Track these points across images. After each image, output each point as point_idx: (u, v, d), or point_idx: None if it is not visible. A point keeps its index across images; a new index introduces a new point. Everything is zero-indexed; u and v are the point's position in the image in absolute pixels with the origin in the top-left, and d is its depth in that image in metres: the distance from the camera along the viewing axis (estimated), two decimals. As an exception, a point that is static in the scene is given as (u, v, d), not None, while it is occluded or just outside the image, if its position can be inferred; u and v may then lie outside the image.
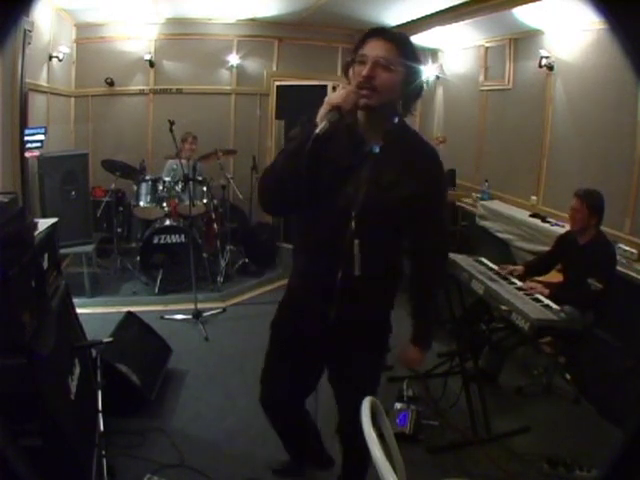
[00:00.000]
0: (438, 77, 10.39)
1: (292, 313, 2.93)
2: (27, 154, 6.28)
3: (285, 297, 3.00)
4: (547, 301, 4.11)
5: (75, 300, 4.18)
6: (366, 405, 2.18)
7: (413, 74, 2.51)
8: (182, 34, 9.79)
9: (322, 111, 2.36)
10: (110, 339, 4.17)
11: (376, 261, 2.62)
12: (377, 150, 2.56)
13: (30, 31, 6.00)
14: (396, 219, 2.63)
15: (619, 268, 5.14)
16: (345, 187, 2.53)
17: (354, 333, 2.78)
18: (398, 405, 4.47)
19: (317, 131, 2.28)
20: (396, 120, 2.62)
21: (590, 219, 4.86)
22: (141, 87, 9.82)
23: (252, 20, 9.54)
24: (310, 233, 2.70)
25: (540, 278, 5.24)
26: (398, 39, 2.46)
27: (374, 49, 2.41)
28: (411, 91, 2.54)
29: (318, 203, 2.53)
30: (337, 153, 2.51)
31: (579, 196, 4.92)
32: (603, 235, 4.98)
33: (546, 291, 4.58)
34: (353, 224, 2.53)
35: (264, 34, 9.77)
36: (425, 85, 2.67)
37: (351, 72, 2.51)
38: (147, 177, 7.79)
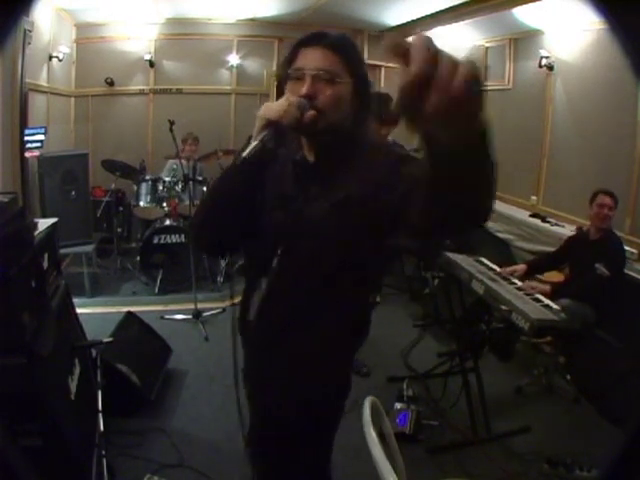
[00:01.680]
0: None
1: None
2: (27, 154, 6.28)
3: None
4: (547, 301, 4.11)
5: (75, 300, 4.18)
6: (367, 405, 2.18)
7: (363, 79, 2.03)
8: (182, 34, 9.80)
9: (255, 127, 1.87)
10: (110, 339, 4.18)
11: (293, 314, 2.11)
12: (322, 181, 2.04)
13: (30, 31, 6.00)
14: (358, 250, 2.00)
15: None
16: (277, 219, 2.06)
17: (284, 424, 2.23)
18: (398, 405, 4.46)
19: (244, 154, 1.80)
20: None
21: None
22: (141, 87, 9.82)
23: (252, 20, 9.53)
24: (246, 262, 2.31)
25: (540, 277, 5.26)
26: (338, 44, 1.98)
27: (312, 60, 1.94)
28: (363, 103, 2.04)
29: (255, 241, 2.13)
30: (278, 179, 2.10)
31: (610, 194, 5.01)
32: (613, 231, 5.05)
33: (547, 287, 4.59)
34: (275, 261, 2.07)
35: (264, 34, 9.76)
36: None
37: (286, 89, 2.01)
38: (147, 177, 7.79)
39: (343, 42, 2.01)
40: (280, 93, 2.03)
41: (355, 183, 1.94)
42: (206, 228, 2.16)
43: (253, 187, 2.03)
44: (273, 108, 1.87)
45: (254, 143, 1.80)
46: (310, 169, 2.08)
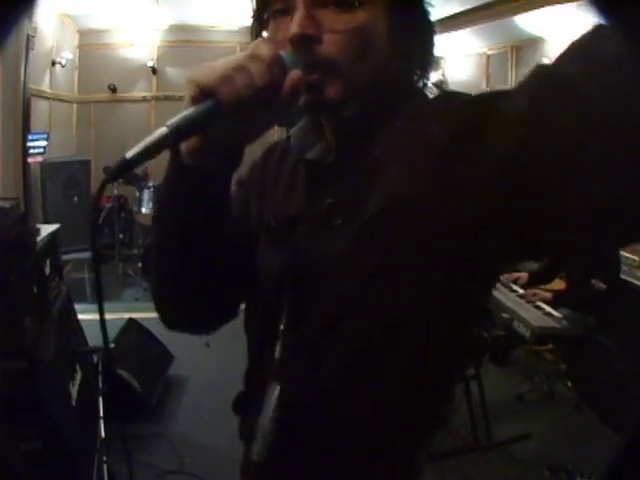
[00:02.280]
0: (442, 82, 10.42)
1: None
2: (29, 159, 6.30)
3: None
4: (548, 309, 4.12)
5: (76, 306, 4.19)
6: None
7: (407, 6, 1.05)
8: (185, 41, 9.84)
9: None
10: (112, 345, 4.18)
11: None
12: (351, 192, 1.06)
13: (33, 36, 6.03)
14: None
15: (621, 275, 5.14)
16: (276, 261, 1.12)
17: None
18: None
19: (127, 155, 0.84)
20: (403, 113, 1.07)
21: None
22: (144, 94, 9.86)
23: (255, 27, 9.57)
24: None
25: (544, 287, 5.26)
26: None
27: None
28: (414, 33, 1.08)
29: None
30: (281, 192, 1.22)
31: None
32: None
33: (548, 295, 4.59)
34: (278, 350, 1.11)
35: None
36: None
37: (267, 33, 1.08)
38: (150, 184, 7.80)
39: None
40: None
41: (404, 181, 0.99)
42: (173, 289, 1.21)
43: (216, 211, 1.07)
44: (217, 66, 0.89)
45: (148, 139, 0.86)
46: (328, 173, 1.11)
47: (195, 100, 0.89)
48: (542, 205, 0.84)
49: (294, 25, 0.94)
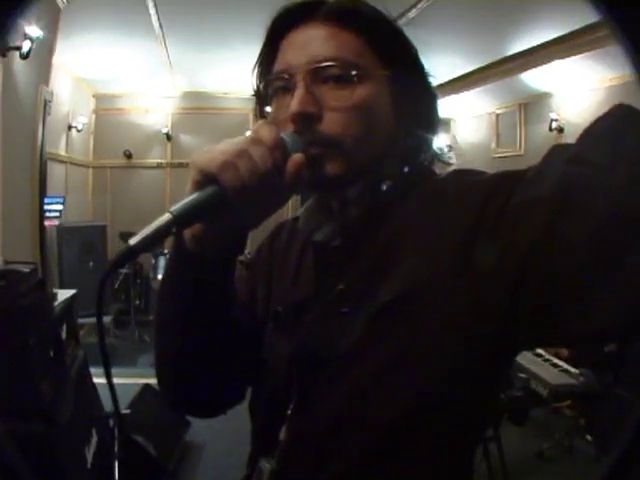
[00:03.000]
0: (451, 147, 10.51)
1: None
2: (46, 223, 6.35)
3: None
4: (565, 365, 4.08)
5: (92, 370, 4.18)
6: None
7: (409, 66, 1.09)
8: (198, 107, 10.00)
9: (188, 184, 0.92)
10: (127, 411, 4.16)
11: None
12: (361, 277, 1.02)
13: (50, 101, 6.12)
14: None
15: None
16: (283, 349, 1.08)
17: None
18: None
19: (131, 241, 0.91)
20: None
21: None
22: (158, 160, 9.98)
23: (268, 94, 9.71)
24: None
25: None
26: (349, 10, 1.02)
27: (302, 47, 1.01)
28: (420, 112, 1.09)
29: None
30: (288, 275, 1.18)
31: None
32: None
33: (564, 352, 4.58)
34: (283, 434, 1.05)
35: None
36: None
37: (270, 114, 1.09)
38: (165, 250, 7.84)
39: (358, 7, 1.03)
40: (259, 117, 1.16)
41: (418, 267, 0.96)
42: (175, 373, 1.22)
43: (218, 296, 1.03)
44: (219, 149, 0.87)
45: (152, 226, 0.91)
46: (337, 257, 1.07)
47: (198, 185, 0.88)
48: (562, 298, 0.81)
49: (294, 103, 0.95)
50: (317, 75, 0.97)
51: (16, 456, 0.65)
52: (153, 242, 0.88)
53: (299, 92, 0.96)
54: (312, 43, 0.99)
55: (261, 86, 1.11)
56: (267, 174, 0.85)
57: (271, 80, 1.05)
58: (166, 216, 0.88)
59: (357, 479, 0.97)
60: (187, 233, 0.93)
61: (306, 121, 0.95)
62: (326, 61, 0.96)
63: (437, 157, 1.14)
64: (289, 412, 1.03)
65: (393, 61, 1.02)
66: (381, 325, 0.95)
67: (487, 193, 0.92)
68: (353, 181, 1.01)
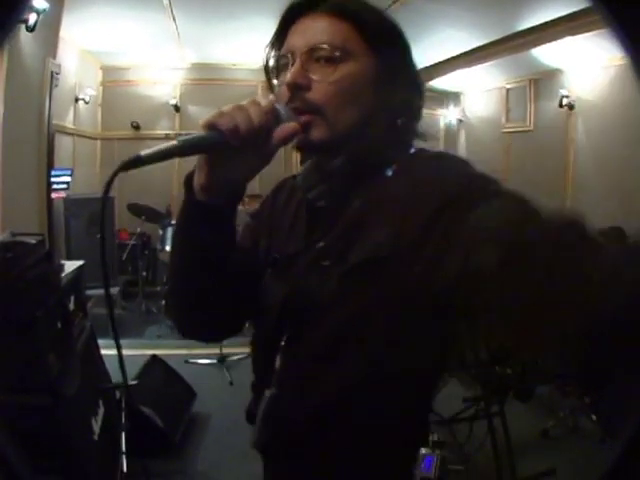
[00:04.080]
0: (461, 120, 10.47)
1: None
2: (53, 195, 6.36)
3: None
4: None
5: (100, 341, 4.20)
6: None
7: (397, 55, 1.29)
8: (207, 79, 9.95)
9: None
10: (134, 382, 4.19)
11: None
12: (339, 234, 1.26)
13: (57, 73, 6.11)
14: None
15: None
16: (277, 292, 1.31)
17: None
18: (423, 450, 4.40)
19: (142, 153, 1.10)
20: (390, 166, 1.27)
21: None
22: (167, 131, 9.94)
23: (276, 66, 9.66)
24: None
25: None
26: (346, 3, 1.25)
27: (303, 35, 1.24)
28: (401, 95, 1.27)
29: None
30: (286, 228, 1.40)
31: (604, 234, 4.89)
32: None
33: None
34: (278, 362, 1.29)
35: None
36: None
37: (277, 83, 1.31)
38: (173, 221, 7.86)
39: (353, 2, 1.27)
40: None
41: (386, 235, 1.17)
42: (182, 302, 1.41)
43: (221, 239, 1.24)
44: (226, 112, 1.09)
45: (162, 146, 1.10)
46: (323, 216, 1.30)
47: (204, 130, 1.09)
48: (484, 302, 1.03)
49: (289, 76, 1.20)
50: (311, 55, 1.21)
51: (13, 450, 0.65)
52: (160, 157, 1.09)
53: (295, 67, 1.20)
54: (310, 30, 1.23)
55: (270, 63, 1.34)
56: (258, 129, 1.09)
57: (278, 58, 1.29)
58: (173, 142, 1.08)
59: (338, 401, 1.23)
60: (196, 186, 1.17)
61: (297, 90, 1.20)
62: (318, 44, 1.20)
63: (418, 135, 1.34)
64: (282, 343, 1.28)
65: (379, 48, 1.25)
66: (351, 281, 1.19)
67: (451, 198, 1.14)
68: (336, 148, 1.24)
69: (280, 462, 1.40)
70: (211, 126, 1.08)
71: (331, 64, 1.20)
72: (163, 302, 1.50)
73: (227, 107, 1.09)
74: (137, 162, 1.11)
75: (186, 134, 1.09)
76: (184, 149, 1.09)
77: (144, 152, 1.10)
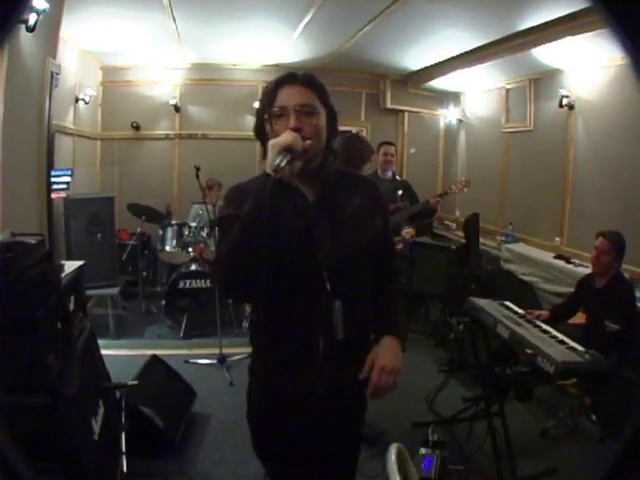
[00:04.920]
0: (461, 120, 10.46)
1: (271, 401, 2.37)
2: (53, 195, 6.35)
3: (255, 385, 2.44)
4: (572, 343, 4.07)
5: (99, 341, 4.21)
6: (392, 451, 2.17)
7: (332, 109, 2.30)
8: (207, 79, 9.96)
9: (271, 155, 1.99)
10: (135, 382, 4.19)
11: (362, 319, 2.33)
12: (322, 200, 2.27)
13: (57, 74, 6.11)
14: (369, 260, 2.35)
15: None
16: (306, 247, 2.19)
17: (339, 410, 2.33)
18: (423, 450, 4.40)
19: (275, 175, 1.95)
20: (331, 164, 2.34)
21: (614, 261, 4.84)
22: (167, 132, 9.96)
23: (276, 66, 9.65)
24: (278, 307, 2.22)
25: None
26: (310, 80, 2.22)
27: (292, 97, 2.15)
28: (334, 129, 2.32)
29: (280, 276, 2.12)
30: (284, 216, 2.16)
31: (606, 235, 4.89)
32: (621, 276, 4.95)
33: (547, 313, 4.61)
34: (328, 285, 2.19)
35: None
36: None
37: (269, 128, 2.20)
38: (173, 222, 7.88)
39: (313, 78, 2.24)
40: (258, 130, 2.29)
41: (354, 208, 2.30)
42: (240, 278, 2.10)
43: (272, 218, 2.01)
44: (283, 138, 2.02)
45: (277, 161, 1.95)
46: (315, 206, 2.26)
47: (280, 152, 1.98)
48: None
49: (291, 123, 2.10)
50: (299, 110, 2.13)
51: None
52: (286, 176, 2.00)
53: (292, 118, 2.11)
54: (296, 94, 2.16)
55: (263, 111, 2.23)
56: (302, 146, 2.04)
57: (274, 111, 2.16)
58: (281, 161, 1.96)
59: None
60: (286, 171, 2.00)
61: (296, 131, 2.07)
62: (303, 104, 2.14)
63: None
64: (327, 285, 2.19)
65: (327, 105, 2.25)
66: (344, 239, 2.24)
67: (375, 197, 2.47)
68: (314, 159, 2.19)
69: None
70: (286, 147, 1.98)
71: (311, 116, 2.15)
72: (219, 270, 1.67)
73: (286, 139, 2.01)
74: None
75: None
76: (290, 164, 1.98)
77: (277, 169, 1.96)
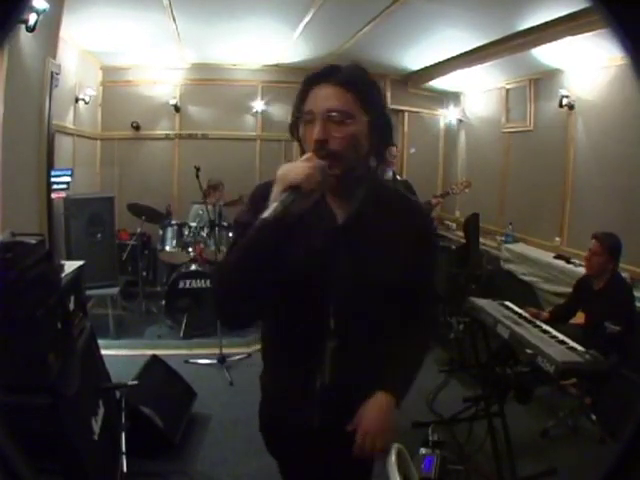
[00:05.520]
0: (461, 120, 10.46)
1: (273, 426, 2.25)
2: (53, 195, 6.35)
3: (262, 402, 2.28)
4: (572, 343, 4.07)
5: (100, 341, 4.21)
6: (392, 452, 2.16)
7: (379, 115, 1.91)
8: (207, 79, 9.96)
9: (275, 190, 1.70)
10: (135, 382, 4.19)
11: (366, 365, 2.02)
12: (351, 224, 1.96)
13: (57, 74, 6.11)
14: (391, 301, 2.00)
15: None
16: (318, 276, 1.93)
17: (340, 443, 2.01)
18: (423, 450, 4.39)
19: (265, 215, 1.63)
20: (368, 179, 2.02)
21: (608, 263, 4.84)
22: (167, 132, 9.95)
23: (277, 66, 9.66)
24: (281, 334, 2.10)
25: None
26: (350, 79, 1.86)
27: (321, 101, 1.82)
28: (382, 137, 1.94)
29: (288, 300, 1.94)
30: (304, 235, 1.87)
31: (598, 238, 4.90)
32: (619, 277, 4.96)
33: (545, 314, 4.62)
34: (332, 322, 1.95)
35: (289, 80, 9.62)
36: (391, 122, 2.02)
37: (301, 132, 1.91)
38: (173, 222, 7.88)
39: (355, 77, 1.89)
40: (292, 134, 1.98)
41: (386, 238, 1.94)
42: (232, 298, 1.89)
43: (278, 246, 1.77)
44: (296, 172, 1.69)
45: (275, 204, 1.63)
46: (340, 230, 1.95)
47: (284, 191, 1.66)
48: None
49: (315, 133, 1.79)
50: (328, 117, 1.80)
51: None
52: (277, 216, 1.64)
53: (318, 127, 1.80)
54: (325, 98, 1.82)
55: (295, 117, 1.93)
56: (318, 183, 1.71)
57: (301, 115, 1.89)
58: (278, 204, 1.65)
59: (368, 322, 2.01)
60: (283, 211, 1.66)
61: (321, 142, 1.79)
62: (332, 111, 1.80)
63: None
64: (331, 321, 1.97)
65: (371, 111, 1.87)
66: (361, 271, 1.93)
67: (426, 227, 2.23)
68: (344, 177, 1.86)
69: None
70: (293, 186, 1.66)
71: (342, 124, 1.80)
72: (215, 297, 1.58)
73: (295, 172, 1.69)
74: (283, 212, 1.67)
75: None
76: (287, 208, 1.65)
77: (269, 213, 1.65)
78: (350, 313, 1.95)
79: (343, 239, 1.93)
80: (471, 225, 8.12)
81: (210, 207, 7.26)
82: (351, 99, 1.82)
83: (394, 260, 1.94)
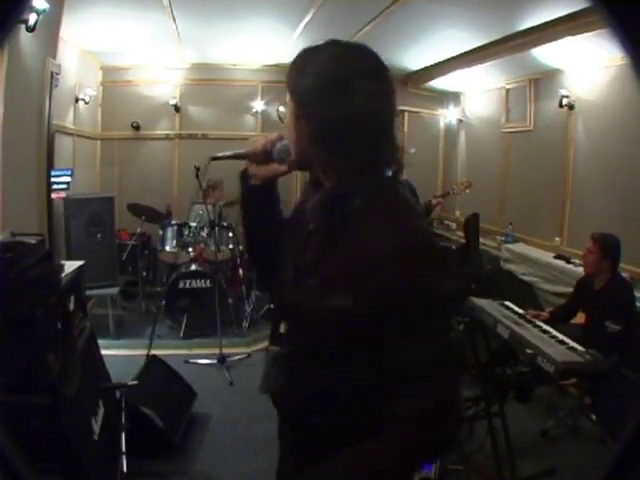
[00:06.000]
0: (461, 120, 10.46)
1: None
2: (53, 195, 6.34)
3: None
4: (572, 343, 4.06)
5: (100, 341, 4.21)
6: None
7: (300, 103, 1.61)
8: (207, 79, 9.95)
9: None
10: (135, 382, 4.19)
11: (302, 383, 1.71)
12: (311, 227, 1.67)
13: (57, 73, 6.10)
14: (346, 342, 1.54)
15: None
16: (298, 262, 1.73)
17: None
18: (423, 450, 4.39)
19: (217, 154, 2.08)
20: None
21: (603, 262, 4.85)
22: (167, 132, 9.94)
23: (276, 66, 9.64)
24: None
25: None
26: (289, 69, 1.65)
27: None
28: (314, 131, 1.58)
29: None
30: (302, 230, 1.72)
31: (593, 237, 4.93)
32: (619, 277, 4.97)
33: (545, 315, 4.62)
34: (282, 327, 1.81)
35: None
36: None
37: None
38: (173, 222, 7.88)
39: (291, 65, 1.64)
40: None
41: (348, 259, 1.52)
42: (249, 246, 2.20)
43: (269, 212, 1.97)
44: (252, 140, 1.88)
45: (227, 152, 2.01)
46: (311, 234, 1.68)
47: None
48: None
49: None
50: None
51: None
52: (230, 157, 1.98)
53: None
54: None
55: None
56: (260, 151, 1.83)
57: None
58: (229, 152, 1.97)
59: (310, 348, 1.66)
60: (252, 179, 1.91)
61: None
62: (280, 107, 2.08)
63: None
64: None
65: (293, 98, 1.71)
66: (320, 290, 1.56)
67: (399, 261, 1.45)
68: (300, 168, 1.85)
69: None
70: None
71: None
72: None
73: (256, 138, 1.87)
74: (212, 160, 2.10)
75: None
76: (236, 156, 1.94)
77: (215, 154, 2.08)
78: (301, 337, 1.70)
79: (309, 240, 1.68)
80: (471, 225, 8.12)
81: (210, 207, 7.25)
82: (288, 91, 1.72)
83: (350, 288, 1.49)
